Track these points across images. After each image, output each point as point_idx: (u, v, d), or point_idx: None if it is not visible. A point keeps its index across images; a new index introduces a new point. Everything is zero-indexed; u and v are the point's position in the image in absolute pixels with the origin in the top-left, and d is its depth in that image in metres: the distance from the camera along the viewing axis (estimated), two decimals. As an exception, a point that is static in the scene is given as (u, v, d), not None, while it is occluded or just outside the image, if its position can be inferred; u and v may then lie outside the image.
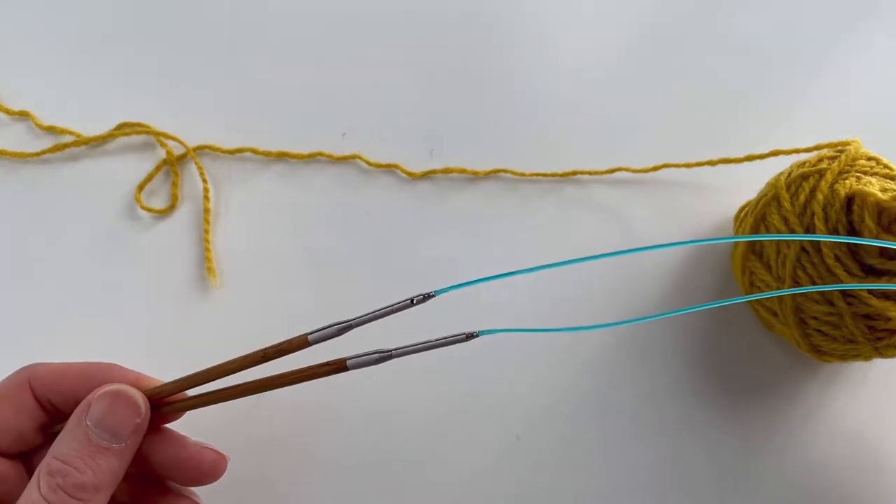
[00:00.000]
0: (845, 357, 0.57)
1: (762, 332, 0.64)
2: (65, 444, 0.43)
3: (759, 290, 0.58)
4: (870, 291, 0.51)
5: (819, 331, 0.55)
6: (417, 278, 0.65)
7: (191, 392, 0.49)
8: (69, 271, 0.64)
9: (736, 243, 0.62)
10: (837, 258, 0.51)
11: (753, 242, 0.58)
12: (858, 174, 0.53)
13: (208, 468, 0.49)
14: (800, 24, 0.76)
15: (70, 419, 0.45)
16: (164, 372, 0.56)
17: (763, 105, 0.72)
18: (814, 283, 0.53)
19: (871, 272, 0.52)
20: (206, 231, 0.65)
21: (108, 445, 0.44)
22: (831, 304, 0.53)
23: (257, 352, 0.47)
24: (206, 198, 0.66)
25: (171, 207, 0.66)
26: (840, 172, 0.54)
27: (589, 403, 0.62)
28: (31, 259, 0.65)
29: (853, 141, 0.57)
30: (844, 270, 0.51)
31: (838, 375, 0.63)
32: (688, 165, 0.67)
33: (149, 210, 0.66)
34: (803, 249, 0.53)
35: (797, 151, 0.64)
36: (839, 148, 0.58)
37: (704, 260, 0.66)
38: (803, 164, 0.57)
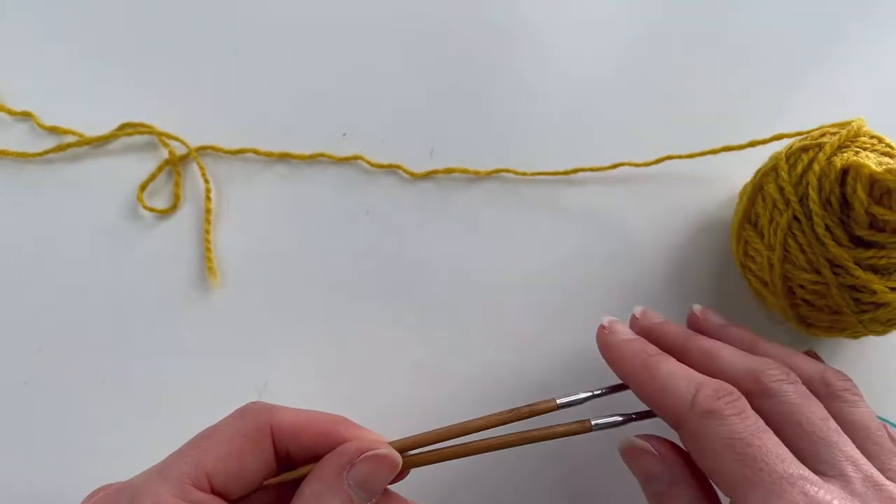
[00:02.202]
0: (831, 329, 0.57)
1: (761, 312, 0.65)
2: (325, 501, 0.44)
3: (752, 258, 0.59)
4: (857, 263, 0.52)
5: (805, 300, 0.56)
6: (420, 278, 0.66)
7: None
8: (71, 271, 0.66)
9: (735, 214, 0.63)
10: (827, 228, 0.52)
11: (749, 213, 0.58)
12: (858, 149, 0.54)
13: None
14: (805, 11, 0.76)
15: (324, 472, 0.45)
16: (166, 370, 0.58)
17: (767, 95, 0.72)
18: (803, 251, 0.53)
19: (860, 244, 0.53)
20: (208, 231, 0.66)
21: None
22: (818, 273, 0.53)
23: (507, 412, 0.49)
24: (208, 198, 0.67)
25: (174, 207, 0.67)
26: (840, 147, 0.54)
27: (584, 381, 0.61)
28: (33, 259, 0.66)
29: (857, 119, 0.57)
30: (833, 240, 0.52)
31: (834, 356, 0.64)
32: (690, 156, 0.68)
33: (151, 210, 0.67)
34: (795, 218, 0.54)
35: (800, 134, 0.63)
36: (843, 126, 0.58)
37: (704, 236, 0.67)
38: (805, 137, 0.58)
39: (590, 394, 0.51)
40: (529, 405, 0.50)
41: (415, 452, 0.49)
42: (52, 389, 0.63)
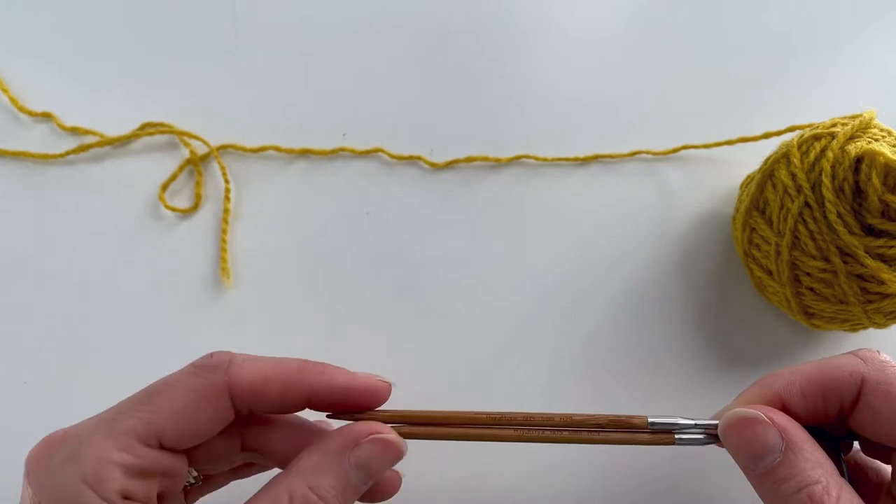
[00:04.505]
0: (833, 320, 0.58)
1: (762, 304, 0.66)
2: (324, 477, 0.44)
3: (758, 246, 0.59)
4: (866, 252, 0.52)
5: (811, 289, 0.56)
6: (443, 270, 0.67)
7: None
8: (91, 271, 0.67)
9: (739, 202, 0.63)
10: (840, 215, 0.53)
11: (758, 200, 0.59)
12: (870, 140, 0.54)
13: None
14: (819, 4, 0.77)
15: (328, 446, 0.45)
16: (168, 370, 0.60)
17: (781, 89, 0.74)
18: (813, 238, 0.54)
19: (871, 232, 0.53)
20: (224, 231, 0.67)
21: (360, 487, 0.45)
22: (827, 260, 0.54)
23: (598, 416, 0.49)
24: (227, 198, 0.68)
25: (195, 207, 0.68)
26: (851, 137, 0.55)
27: (586, 377, 0.65)
28: (55, 259, 0.67)
29: (868, 111, 0.58)
30: (844, 227, 0.53)
31: (837, 348, 0.65)
32: (707, 146, 0.70)
33: (173, 209, 0.68)
34: (807, 204, 0.54)
35: (813, 126, 0.63)
36: (854, 118, 0.58)
37: (705, 229, 0.69)
38: (817, 127, 0.58)
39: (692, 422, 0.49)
40: (618, 416, 0.49)
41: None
42: (52, 389, 0.64)
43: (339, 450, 0.45)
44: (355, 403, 0.48)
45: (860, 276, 0.54)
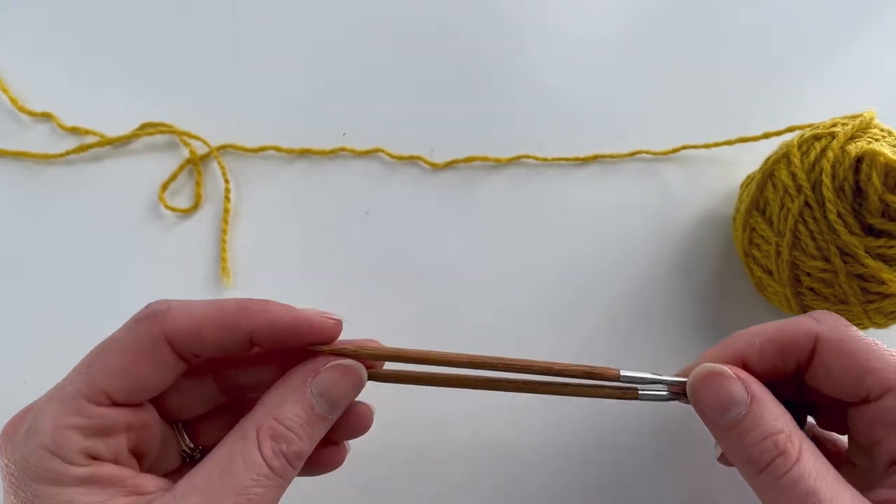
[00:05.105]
0: None
1: (762, 304, 0.66)
2: (288, 407, 0.44)
3: (758, 246, 0.59)
4: (866, 251, 0.53)
5: (811, 289, 0.57)
6: (443, 270, 0.68)
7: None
8: (91, 271, 0.67)
9: (740, 202, 0.63)
10: (840, 215, 0.53)
11: (758, 200, 0.59)
12: (870, 140, 0.54)
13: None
14: (819, 4, 0.77)
15: (289, 379, 0.46)
16: None
17: (781, 89, 0.74)
18: (813, 238, 0.54)
19: (871, 232, 0.53)
20: (224, 231, 0.67)
21: (325, 416, 0.45)
22: (828, 260, 0.54)
23: (561, 364, 0.48)
24: (227, 198, 0.68)
25: (195, 207, 0.68)
26: (852, 137, 0.55)
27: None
28: (55, 259, 0.67)
29: (868, 111, 0.58)
30: (845, 227, 0.53)
31: None
32: (706, 146, 0.70)
33: (173, 209, 0.68)
34: (807, 204, 0.54)
35: (813, 126, 0.63)
36: (854, 118, 0.58)
37: (705, 229, 0.69)
38: (817, 127, 0.58)
39: (656, 377, 0.49)
40: (594, 367, 0.48)
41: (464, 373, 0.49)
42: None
43: (300, 381, 0.45)
44: (301, 341, 0.47)
45: (860, 276, 0.54)
